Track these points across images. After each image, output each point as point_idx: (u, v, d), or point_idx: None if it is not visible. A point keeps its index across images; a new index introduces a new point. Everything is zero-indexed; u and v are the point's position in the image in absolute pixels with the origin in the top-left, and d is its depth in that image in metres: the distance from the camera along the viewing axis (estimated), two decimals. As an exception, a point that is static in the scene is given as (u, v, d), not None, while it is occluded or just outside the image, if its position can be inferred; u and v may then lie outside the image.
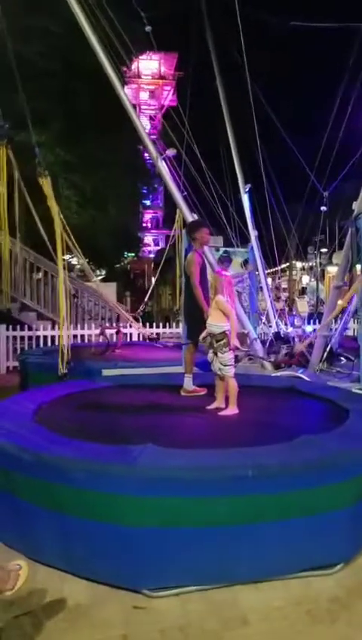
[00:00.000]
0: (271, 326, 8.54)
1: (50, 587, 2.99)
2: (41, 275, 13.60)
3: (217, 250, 12.25)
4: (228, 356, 4.75)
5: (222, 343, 4.73)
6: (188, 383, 5.60)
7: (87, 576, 3.05)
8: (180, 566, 2.95)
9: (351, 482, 3.21)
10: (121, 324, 11.26)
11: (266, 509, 3.01)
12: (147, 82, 42.17)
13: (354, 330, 8.05)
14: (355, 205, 5.74)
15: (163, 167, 6.88)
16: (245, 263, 6.02)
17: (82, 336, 12.42)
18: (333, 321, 6.89)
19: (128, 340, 11.86)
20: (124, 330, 11.52)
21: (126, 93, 7.07)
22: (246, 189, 8.91)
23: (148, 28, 9.42)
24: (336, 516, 3.16)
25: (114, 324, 11.96)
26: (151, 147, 6.96)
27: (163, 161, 6.82)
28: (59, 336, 6.95)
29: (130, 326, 11.56)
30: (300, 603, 2.87)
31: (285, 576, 3.06)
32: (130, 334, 12.27)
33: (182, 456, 3.20)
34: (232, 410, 4.71)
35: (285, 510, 3.04)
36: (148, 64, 39.80)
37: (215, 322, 4.77)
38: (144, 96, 42.91)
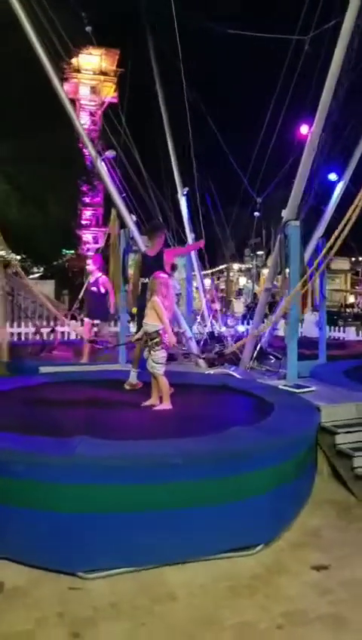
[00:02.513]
0: (205, 325, 8.86)
1: (-12, 573, 3.12)
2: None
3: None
4: (160, 354, 4.97)
5: (155, 341, 4.95)
6: (133, 377, 5.82)
7: (25, 562, 3.20)
8: (112, 549, 3.16)
9: (270, 470, 3.53)
10: (56, 323, 11.22)
11: (191, 495, 3.26)
12: (88, 78, 41.69)
13: (283, 330, 8.46)
14: (284, 213, 6.11)
15: (102, 168, 7.01)
16: (173, 268, 6.27)
17: (18, 334, 12.30)
18: (263, 321, 7.25)
19: (67, 338, 11.87)
20: (60, 329, 11.52)
21: (64, 89, 7.09)
22: (184, 192, 9.17)
23: (88, 28, 9.48)
24: (257, 501, 3.46)
25: (51, 323, 11.90)
26: (90, 147, 7.07)
27: (102, 162, 6.95)
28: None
29: (68, 325, 11.55)
30: (223, 580, 3.15)
31: (210, 557, 3.32)
32: (67, 333, 12.26)
33: (115, 447, 3.41)
34: (166, 405, 4.94)
35: (209, 496, 3.31)
36: (89, 59, 39.34)
37: (150, 322, 4.99)
38: (85, 91, 42.40)
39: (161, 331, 4.94)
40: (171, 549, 3.25)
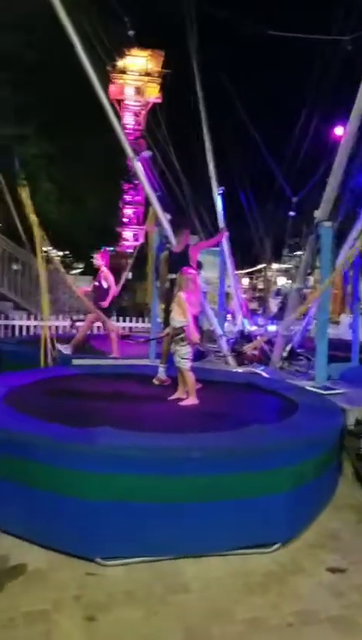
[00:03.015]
0: (236, 324, 8.87)
1: (14, 554, 3.27)
2: (19, 265, 13.69)
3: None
4: (185, 350, 5.03)
5: (180, 336, 5.02)
6: (161, 373, 5.91)
7: (47, 545, 3.32)
8: (130, 538, 3.23)
9: (290, 469, 3.53)
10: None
11: (210, 489, 3.31)
12: (133, 79, 42.12)
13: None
14: (316, 213, 6.06)
15: (138, 167, 7.11)
16: (199, 266, 6.31)
17: (56, 327, 12.57)
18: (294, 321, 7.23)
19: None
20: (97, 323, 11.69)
21: (104, 92, 7.21)
22: (220, 191, 9.18)
23: (131, 32, 9.63)
24: (275, 499, 3.47)
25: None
26: (127, 147, 7.17)
27: (138, 161, 7.05)
28: (41, 328, 7.16)
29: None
30: (238, 575, 3.18)
31: (226, 552, 3.36)
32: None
33: (135, 438, 3.49)
34: (192, 400, 5.00)
35: (228, 491, 3.35)
36: (135, 61, 39.75)
37: (175, 317, 5.06)
38: (129, 92, 42.87)
39: (185, 327, 5.00)
40: (188, 541, 3.31)
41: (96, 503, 3.23)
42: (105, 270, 8.13)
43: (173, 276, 5.88)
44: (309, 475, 3.71)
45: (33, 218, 6.33)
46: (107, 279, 8.06)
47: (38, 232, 6.34)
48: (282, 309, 11.39)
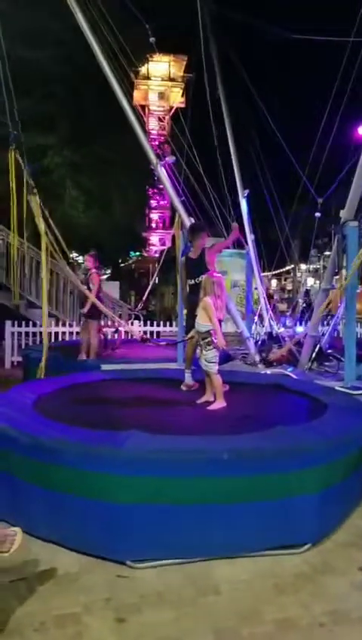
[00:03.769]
0: (263, 326, 8.84)
1: (43, 558, 3.31)
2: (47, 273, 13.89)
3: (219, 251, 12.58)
4: (212, 354, 5.05)
5: (207, 340, 5.03)
6: (188, 378, 5.92)
7: (76, 549, 3.37)
8: (160, 540, 3.25)
9: (318, 469, 3.51)
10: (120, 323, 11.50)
11: (239, 490, 3.31)
12: (156, 84, 42.41)
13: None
14: (342, 213, 6.02)
15: (162, 172, 7.17)
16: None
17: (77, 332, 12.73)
18: (322, 322, 7.17)
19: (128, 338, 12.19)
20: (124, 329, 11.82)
21: (127, 99, 7.32)
22: (245, 194, 9.20)
23: (152, 39, 9.73)
24: (305, 500, 3.45)
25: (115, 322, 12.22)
26: (150, 152, 7.24)
27: (162, 167, 7.11)
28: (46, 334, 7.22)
29: (132, 324, 11.86)
30: (268, 576, 3.17)
31: (256, 553, 3.36)
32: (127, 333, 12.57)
33: (163, 441, 3.52)
34: (220, 403, 5.02)
35: (257, 492, 3.35)
36: (158, 66, 40.03)
37: (201, 322, 5.08)
38: (153, 97, 43.16)
39: (211, 331, 5.02)
40: (218, 543, 3.31)
41: (125, 505, 3.26)
42: (93, 273, 8.18)
43: (191, 282, 5.93)
44: (339, 475, 3.67)
45: (42, 227, 6.41)
46: (93, 282, 8.11)
47: (45, 240, 6.41)
48: (307, 309, 11.34)
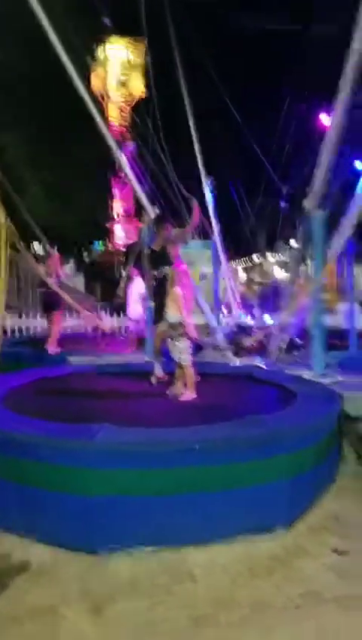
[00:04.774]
0: (231, 317, 8.90)
1: (15, 552, 3.27)
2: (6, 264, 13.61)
3: (185, 242, 12.54)
4: (185, 344, 5.04)
5: (179, 332, 5.02)
6: (157, 370, 5.90)
7: (50, 542, 3.32)
8: (134, 530, 3.25)
9: (289, 456, 3.55)
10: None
11: (211, 479, 3.33)
12: (115, 70, 41.81)
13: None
14: (306, 202, 6.07)
15: (123, 160, 7.08)
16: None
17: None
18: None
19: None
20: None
21: (85, 85, 7.18)
22: (208, 183, 9.18)
23: (106, 20, 9.56)
24: (277, 486, 3.50)
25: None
26: (110, 139, 7.13)
27: (122, 155, 7.02)
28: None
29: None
30: (242, 561, 3.20)
31: (230, 539, 3.38)
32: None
33: (134, 434, 3.51)
34: (191, 394, 5.02)
35: (230, 480, 3.37)
36: (115, 51, 39.44)
37: (171, 313, 5.07)
38: (113, 84, 42.59)
39: (184, 322, 5.01)
40: (192, 531, 3.32)
41: (97, 498, 3.24)
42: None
43: (155, 273, 5.91)
44: (310, 461, 3.74)
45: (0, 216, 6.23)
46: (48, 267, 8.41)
47: (4, 229, 6.24)
48: (272, 299, 11.47)
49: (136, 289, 8.72)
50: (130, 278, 8.97)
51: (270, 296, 12.25)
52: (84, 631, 2.57)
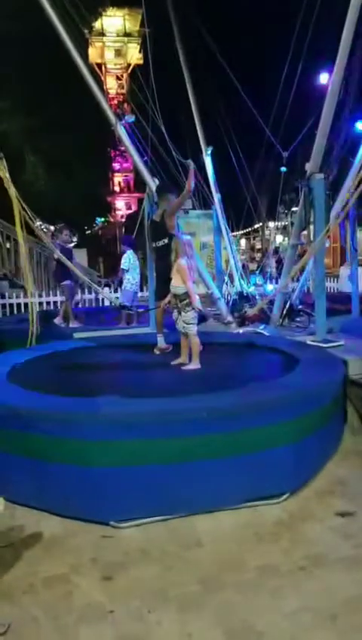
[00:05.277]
0: (233, 286, 8.87)
1: (28, 524, 3.35)
2: (11, 243, 13.62)
3: (186, 212, 12.42)
4: (191, 315, 5.05)
5: (185, 302, 5.02)
6: (161, 342, 5.92)
7: (60, 514, 3.40)
8: (143, 500, 3.31)
9: (294, 422, 3.59)
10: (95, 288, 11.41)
11: (218, 446, 3.37)
12: (112, 40, 40.94)
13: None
14: (307, 166, 5.97)
15: (122, 133, 6.98)
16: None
17: (54, 302, 12.61)
18: (292, 279, 7.22)
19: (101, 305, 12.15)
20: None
21: (83, 57, 7.04)
22: (208, 151, 9.04)
23: None
24: (282, 452, 3.54)
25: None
26: (109, 112, 7.01)
27: (122, 127, 6.91)
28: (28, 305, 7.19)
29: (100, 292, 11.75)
30: (249, 526, 3.27)
31: (237, 506, 3.44)
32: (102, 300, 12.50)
33: (140, 404, 3.54)
34: (195, 364, 5.04)
35: (236, 447, 3.42)
36: (112, 22, 38.54)
37: (177, 284, 5.05)
38: (110, 54, 41.76)
39: (188, 292, 5.01)
40: (200, 498, 3.38)
41: (106, 469, 3.30)
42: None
43: (156, 245, 5.87)
44: (314, 426, 3.77)
45: (12, 192, 6.18)
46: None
47: (17, 206, 6.20)
48: (277, 267, 11.41)
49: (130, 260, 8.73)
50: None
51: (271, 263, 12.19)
52: (97, 598, 2.65)
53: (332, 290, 13.17)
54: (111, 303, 10.05)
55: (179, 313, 5.12)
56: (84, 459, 3.33)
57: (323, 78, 5.92)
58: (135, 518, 3.30)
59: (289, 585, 2.69)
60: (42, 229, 9.48)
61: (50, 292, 12.73)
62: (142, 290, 10.22)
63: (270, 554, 2.98)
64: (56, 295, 12.52)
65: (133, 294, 8.79)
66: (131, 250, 8.83)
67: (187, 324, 5.08)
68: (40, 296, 12.52)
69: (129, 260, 8.70)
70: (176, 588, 2.71)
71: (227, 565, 2.88)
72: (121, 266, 8.74)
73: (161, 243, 5.82)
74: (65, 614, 2.53)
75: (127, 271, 8.67)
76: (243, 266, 11.39)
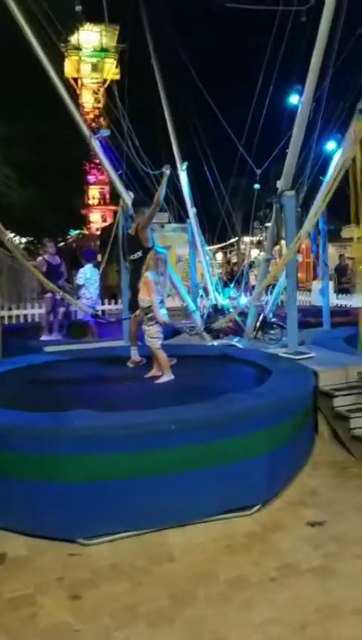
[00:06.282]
0: (208, 298, 8.93)
1: (-9, 544, 3.26)
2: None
3: (162, 226, 12.46)
4: (155, 329, 5.04)
5: (149, 316, 5.02)
6: (134, 354, 5.89)
7: (27, 532, 3.32)
8: (112, 515, 3.26)
9: (265, 432, 3.60)
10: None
11: (189, 458, 3.36)
12: (89, 55, 41.11)
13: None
14: (279, 184, 6.09)
15: (97, 147, 7.00)
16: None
17: (25, 315, 12.49)
18: (265, 292, 7.29)
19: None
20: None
21: (58, 71, 7.08)
22: (184, 167, 9.13)
23: (78, 7, 9.41)
24: (254, 463, 3.55)
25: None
26: (83, 126, 7.04)
27: (96, 141, 6.93)
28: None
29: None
30: (220, 539, 3.26)
31: (209, 518, 3.43)
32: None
33: (110, 418, 3.51)
34: (168, 376, 5.03)
35: (207, 459, 3.41)
36: (89, 36, 38.73)
37: (142, 296, 5.06)
38: (86, 69, 41.86)
39: (151, 306, 5.01)
40: (171, 512, 3.35)
41: (74, 484, 3.25)
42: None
43: (131, 258, 5.89)
44: (285, 437, 3.79)
45: None
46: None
47: None
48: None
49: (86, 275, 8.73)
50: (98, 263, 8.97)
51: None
52: (63, 618, 2.58)
53: (304, 304, 13.35)
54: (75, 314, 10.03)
55: (144, 327, 5.13)
56: (54, 474, 3.27)
57: (294, 99, 6.04)
58: (104, 535, 3.25)
59: (259, 596, 2.67)
60: (12, 242, 9.39)
61: (20, 305, 12.58)
62: (102, 303, 10.19)
63: (241, 566, 2.96)
64: (29, 308, 12.40)
65: (90, 309, 8.73)
66: (90, 265, 8.83)
67: (151, 337, 5.06)
68: (10, 309, 12.39)
69: (85, 274, 8.69)
70: (146, 603, 2.67)
71: (198, 578, 2.85)
72: (77, 281, 8.71)
73: (135, 256, 5.83)
74: (30, 637, 2.46)
75: (83, 286, 8.65)
76: (231, 278, 11.49)
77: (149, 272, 5.01)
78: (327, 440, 4.72)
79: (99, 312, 8.45)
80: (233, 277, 13.64)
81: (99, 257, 11.79)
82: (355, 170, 5.47)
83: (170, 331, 5.40)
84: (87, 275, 8.68)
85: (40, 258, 8.85)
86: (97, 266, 9.09)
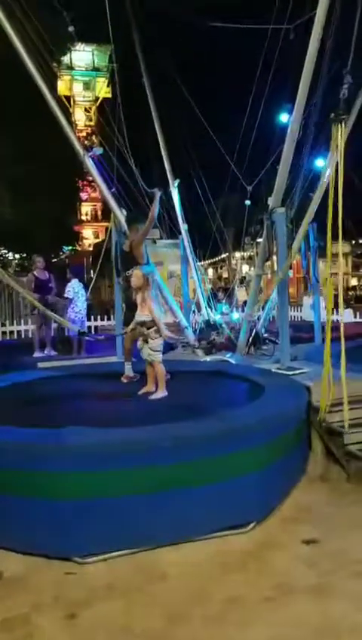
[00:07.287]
0: (201, 314, 8.96)
1: (-14, 563, 3.23)
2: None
3: (154, 242, 12.54)
4: (157, 342, 5.07)
5: (152, 330, 5.05)
6: (128, 370, 5.89)
7: (22, 550, 3.29)
8: (108, 533, 3.25)
9: (258, 449, 3.61)
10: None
11: (184, 476, 3.36)
12: (81, 74, 41.56)
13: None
14: (270, 200, 6.17)
15: (90, 164, 7.06)
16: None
17: (19, 332, 12.45)
18: (257, 308, 7.34)
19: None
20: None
21: (51, 89, 7.15)
22: (176, 184, 9.22)
23: (70, 28, 9.53)
24: (248, 480, 3.55)
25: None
26: (76, 144, 7.10)
27: (89, 159, 6.99)
28: None
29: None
30: (215, 557, 3.24)
31: (203, 536, 3.41)
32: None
33: (105, 435, 3.50)
34: (162, 393, 5.04)
35: (202, 476, 3.41)
36: (81, 56, 39.17)
37: (144, 313, 5.08)
38: (78, 88, 42.30)
39: (155, 320, 5.04)
40: (166, 530, 3.34)
41: (69, 502, 3.23)
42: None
43: (126, 274, 5.92)
44: (278, 453, 3.80)
45: None
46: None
47: None
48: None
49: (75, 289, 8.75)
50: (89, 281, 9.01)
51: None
52: (58, 638, 2.57)
53: (296, 319, 13.43)
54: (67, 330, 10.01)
55: (146, 341, 5.14)
56: (48, 492, 3.26)
57: (284, 117, 6.15)
58: (100, 553, 3.23)
59: (255, 616, 2.66)
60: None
61: (15, 321, 12.59)
62: (89, 319, 10.17)
63: (236, 585, 2.95)
64: (22, 324, 12.38)
65: (79, 322, 8.72)
66: (76, 280, 8.88)
67: (153, 351, 5.09)
68: (3, 325, 12.37)
69: (73, 289, 8.72)
70: (141, 623, 2.65)
71: (193, 598, 2.84)
72: (66, 295, 8.73)
73: (130, 272, 5.87)
74: (25, 657, 2.44)
75: (72, 300, 8.67)
76: (215, 295, 11.52)
77: (147, 288, 5.06)
78: (320, 456, 4.72)
79: (85, 330, 8.40)
80: (225, 292, 13.74)
81: (91, 273, 11.81)
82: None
83: (164, 347, 5.41)
84: (75, 289, 8.70)
85: (30, 274, 8.87)
86: (82, 281, 9.12)
